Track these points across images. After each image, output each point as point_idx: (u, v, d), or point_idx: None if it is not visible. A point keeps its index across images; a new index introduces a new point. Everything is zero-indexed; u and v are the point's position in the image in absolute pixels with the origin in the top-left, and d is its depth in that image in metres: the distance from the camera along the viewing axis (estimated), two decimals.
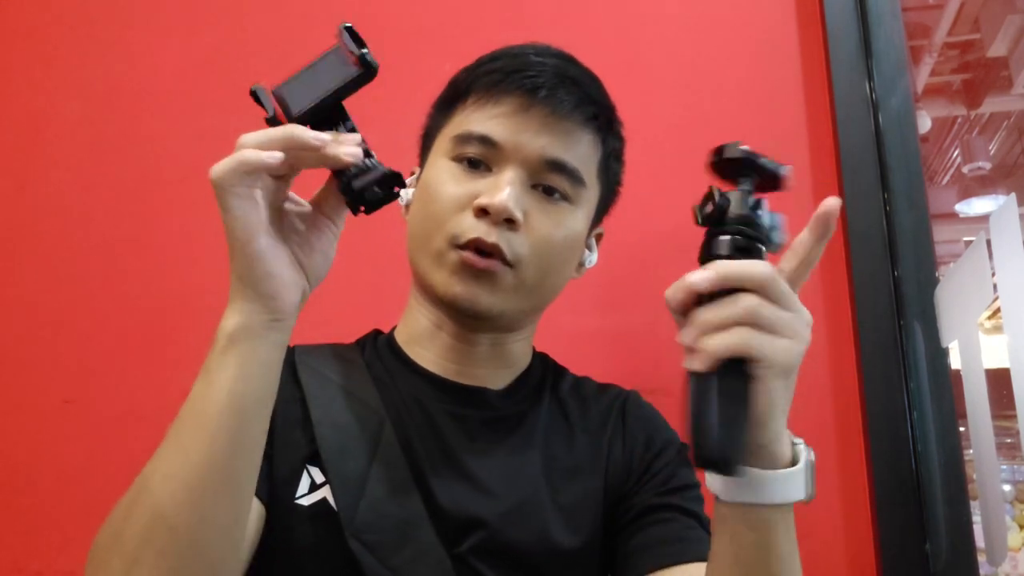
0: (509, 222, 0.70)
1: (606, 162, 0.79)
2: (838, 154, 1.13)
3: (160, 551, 0.52)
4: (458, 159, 0.74)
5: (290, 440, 0.70)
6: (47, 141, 1.28)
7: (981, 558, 0.99)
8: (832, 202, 0.59)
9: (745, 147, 0.58)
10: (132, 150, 1.26)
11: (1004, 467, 1.00)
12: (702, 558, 0.65)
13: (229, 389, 0.54)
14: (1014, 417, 0.87)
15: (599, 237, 0.86)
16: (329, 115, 0.58)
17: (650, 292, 1.15)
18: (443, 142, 0.76)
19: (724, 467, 0.52)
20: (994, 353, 0.96)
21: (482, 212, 0.70)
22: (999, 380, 0.94)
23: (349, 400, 0.73)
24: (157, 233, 1.23)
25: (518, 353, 0.81)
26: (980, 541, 0.99)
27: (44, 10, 1.33)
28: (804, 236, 0.59)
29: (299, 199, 0.60)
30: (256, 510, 0.65)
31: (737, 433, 0.52)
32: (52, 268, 1.23)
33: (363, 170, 0.56)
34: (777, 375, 0.53)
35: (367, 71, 0.57)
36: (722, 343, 0.51)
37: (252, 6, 1.30)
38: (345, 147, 0.55)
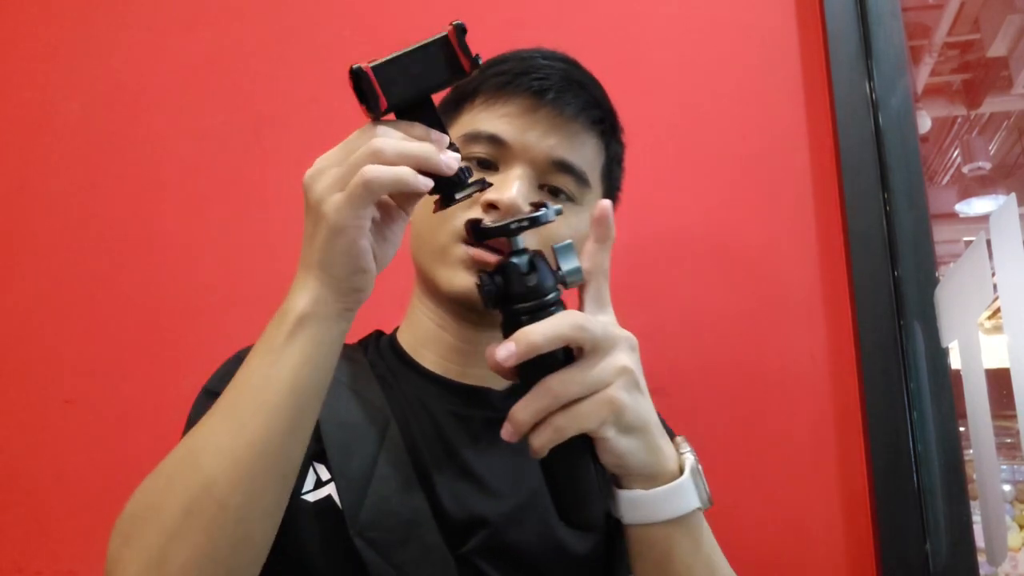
0: None
1: (608, 166, 0.80)
2: (838, 154, 1.13)
3: (205, 527, 0.51)
4: (466, 158, 0.74)
5: None
6: (47, 141, 1.28)
7: (981, 558, 0.99)
8: (603, 204, 0.59)
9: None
10: (132, 150, 1.26)
11: (1004, 467, 1.00)
12: None
13: (294, 372, 0.54)
14: (1014, 417, 0.87)
15: None
16: (420, 107, 0.57)
17: (649, 293, 1.15)
18: None
19: (586, 528, 0.55)
20: (994, 353, 0.96)
21: (491, 207, 0.70)
22: (999, 380, 0.94)
23: (354, 399, 0.73)
24: (157, 233, 1.23)
25: None
26: (980, 541, 0.99)
27: (44, 10, 1.33)
28: (589, 245, 0.60)
29: None
30: None
31: (585, 493, 0.55)
32: (52, 268, 1.23)
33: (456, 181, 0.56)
34: (609, 429, 0.54)
35: (471, 74, 0.56)
36: (543, 442, 0.53)
37: (252, 6, 1.30)
38: (448, 157, 0.55)
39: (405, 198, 0.57)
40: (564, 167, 0.74)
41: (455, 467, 0.71)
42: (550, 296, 0.55)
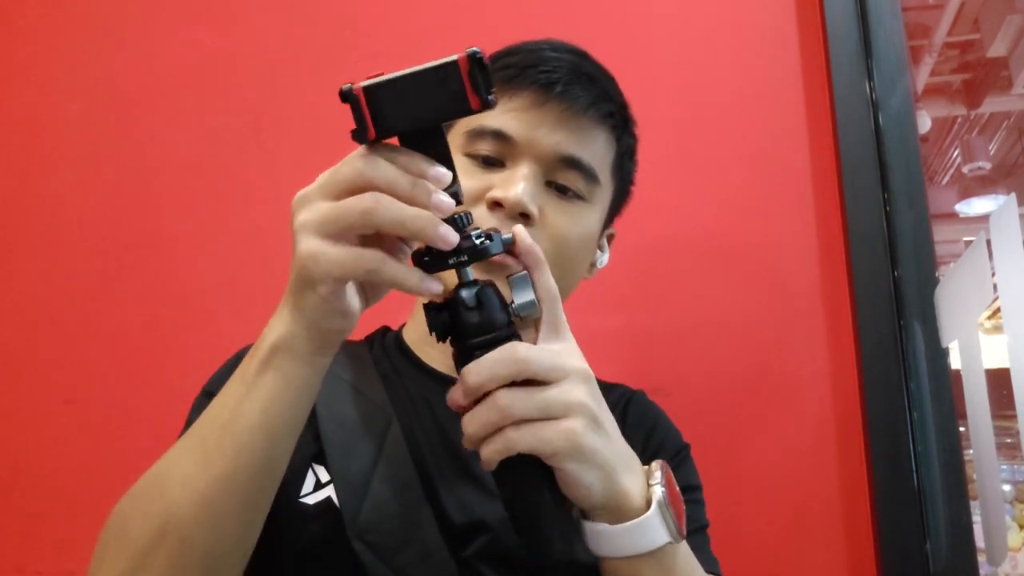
0: (524, 217, 0.69)
1: (620, 160, 0.78)
2: (838, 154, 1.13)
3: (169, 559, 0.51)
4: (472, 154, 0.72)
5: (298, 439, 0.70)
6: (47, 141, 1.28)
7: (981, 558, 0.99)
8: (517, 231, 0.55)
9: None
10: (132, 150, 1.26)
11: (1004, 467, 1.00)
12: None
13: (263, 408, 0.51)
14: (1014, 417, 0.87)
15: (611, 238, 0.86)
16: (426, 139, 0.50)
17: (650, 293, 1.15)
18: (455, 137, 0.75)
19: (542, 558, 0.52)
20: (994, 353, 0.96)
21: (496, 205, 0.69)
22: (999, 380, 0.94)
23: (356, 397, 0.72)
24: (157, 233, 1.23)
25: None
26: (980, 541, 0.99)
27: (44, 10, 1.33)
28: (530, 275, 0.56)
29: None
30: None
31: (540, 523, 0.52)
32: (52, 268, 1.23)
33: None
34: (564, 460, 0.50)
35: (480, 110, 0.49)
36: (492, 452, 0.50)
37: (251, 6, 1.30)
38: (443, 231, 0.49)
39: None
40: (572, 163, 0.71)
41: (457, 469, 0.70)
42: (501, 332, 0.51)
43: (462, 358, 0.51)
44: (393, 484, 0.67)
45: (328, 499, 0.66)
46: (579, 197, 0.73)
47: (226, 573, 0.54)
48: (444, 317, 0.52)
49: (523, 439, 0.49)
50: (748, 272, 1.14)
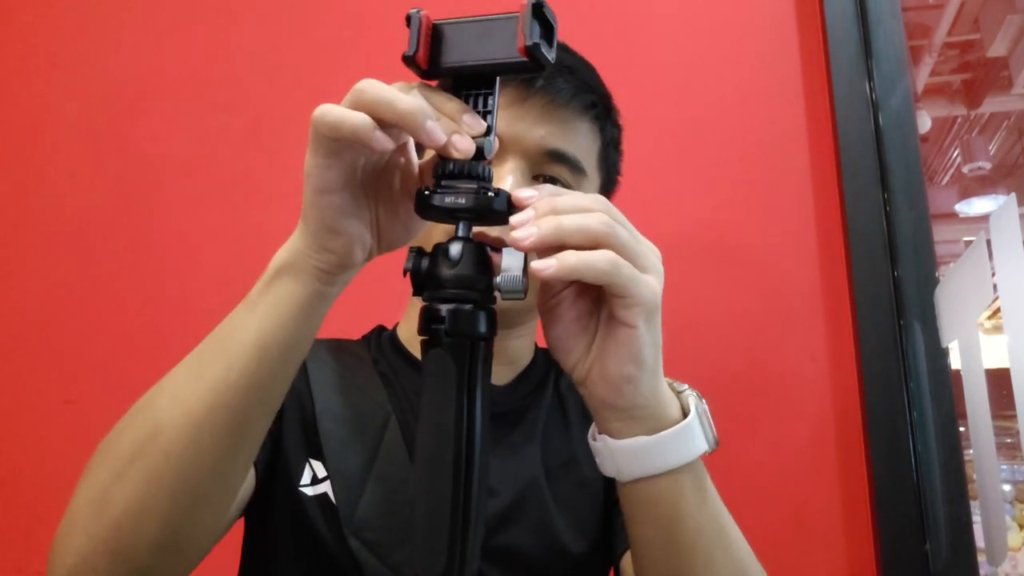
0: None
1: (605, 151, 0.79)
2: (838, 154, 1.13)
3: (147, 472, 0.50)
4: None
5: (296, 431, 0.70)
6: (47, 141, 1.28)
7: (981, 558, 0.99)
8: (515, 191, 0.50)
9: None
10: (131, 150, 1.26)
11: (1004, 467, 1.00)
12: None
13: (259, 326, 0.50)
14: (1014, 417, 0.87)
15: None
16: (476, 82, 0.49)
17: None
18: None
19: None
20: (994, 353, 0.96)
21: None
22: (999, 380, 0.94)
23: (355, 395, 0.73)
24: (157, 233, 1.23)
25: (520, 349, 0.81)
26: (980, 541, 0.99)
27: (43, 10, 1.33)
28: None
29: (413, 155, 0.53)
30: (247, 477, 0.64)
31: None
32: (52, 268, 1.23)
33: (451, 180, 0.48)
34: (640, 315, 0.47)
35: (532, 64, 0.47)
36: (579, 261, 0.45)
37: (251, 6, 1.30)
38: (463, 141, 0.47)
39: (421, 171, 0.51)
40: (557, 156, 0.71)
41: None
42: (473, 295, 0.47)
43: (425, 313, 0.47)
44: (390, 482, 0.67)
45: (325, 494, 0.67)
46: (567, 188, 0.73)
47: (202, 504, 0.52)
48: (422, 264, 0.48)
49: (625, 269, 0.46)
50: (748, 272, 1.14)
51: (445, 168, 0.47)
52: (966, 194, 1.28)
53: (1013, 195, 0.97)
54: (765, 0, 1.22)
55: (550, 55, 0.47)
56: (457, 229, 0.49)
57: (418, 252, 0.49)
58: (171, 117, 1.27)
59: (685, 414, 0.51)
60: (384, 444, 0.69)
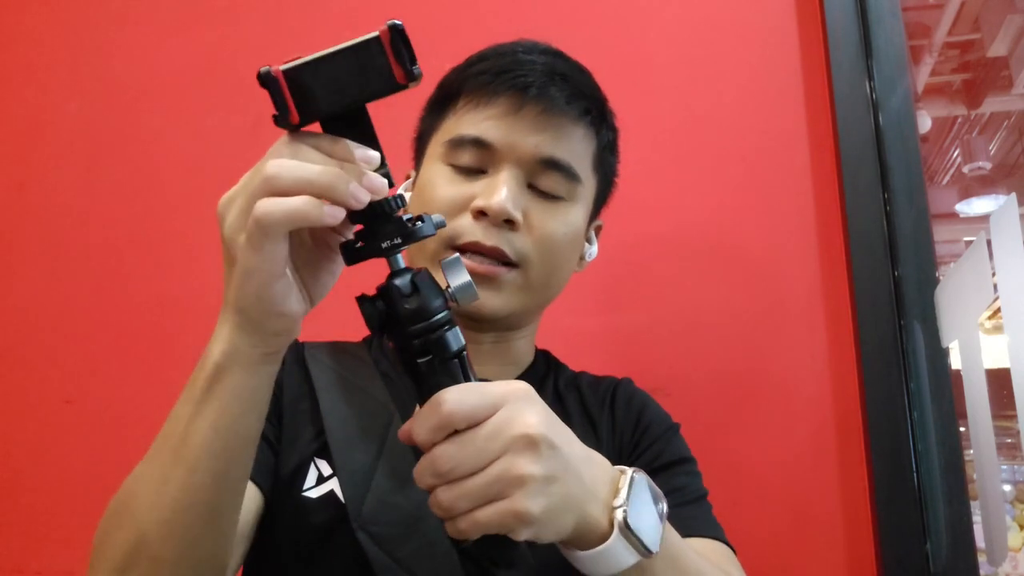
0: (508, 223, 0.70)
1: (601, 155, 0.79)
2: (838, 154, 1.13)
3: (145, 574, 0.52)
4: (453, 164, 0.73)
5: (299, 434, 0.70)
6: (47, 141, 1.28)
7: (981, 558, 0.99)
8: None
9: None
10: (131, 150, 1.26)
11: (1004, 467, 1.00)
12: (686, 534, 0.63)
13: (213, 424, 0.50)
14: (1014, 417, 0.87)
15: (598, 229, 0.86)
16: (350, 121, 0.48)
17: (650, 292, 1.15)
18: (436, 146, 0.76)
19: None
20: (994, 353, 0.96)
21: (480, 214, 0.70)
22: (999, 380, 0.94)
23: (358, 394, 0.73)
24: (157, 233, 1.23)
25: (521, 350, 0.81)
26: (980, 541, 0.99)
27: (43, 10, 1.33)
28: None
29: None
30: (254, 499, 0.66)
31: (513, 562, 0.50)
32: (52, 268, 1.23)
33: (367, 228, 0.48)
34: (520, 533, 0.48)
35: (408, 85, 0.47)
36: (455, 535, 0.49)
37: (252, 6, 1.30)
38: (366, 185, 0.47)
39: (328, 227, 0.50)
40: (552, 164, 0.72)
41: None
42: (438, 317, 0.49)
43: (402, 350, 0.49)
44: (396, 478, 0.68)
45: (331, 492, 0.67)
46: (562, 197, 0.74)
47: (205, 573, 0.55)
48: (380, 306, 0.49)
49: (474, 528, 0.48)
50: (748, 272, 1.14)
51: (366, 212, 0.48)
52: (966, 194, 1.28)
53: (1013, 195, 0.97)
54: (765, 0, 1.22)
55: (420, 75, 0.47)
56: (392, 263, 0.50)
57: (368, 300, 0.49)
58: (171, 117, 1.27)
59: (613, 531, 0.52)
60: (388, 441, 0.70)
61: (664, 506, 0.55)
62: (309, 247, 0.51)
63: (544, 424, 0.49)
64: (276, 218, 0.45)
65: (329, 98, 0.46)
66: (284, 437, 0.70)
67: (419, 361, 0.49)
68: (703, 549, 0.67)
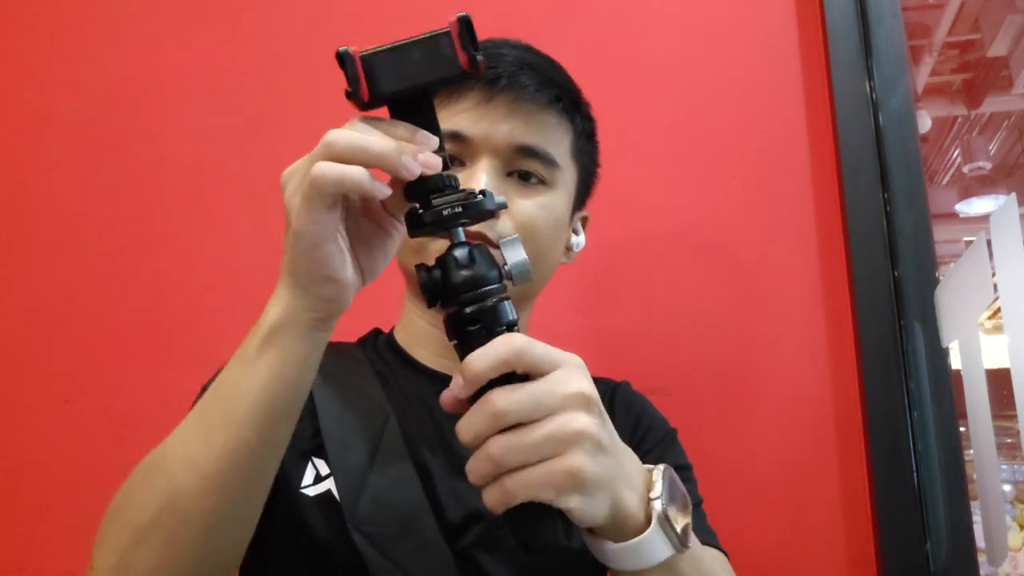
0: None
1: (578, 142, 0.79)
2: (838, 154, 1.13)
3: (169, 538, 0.51)
4: None
5: (297, 431, 0.70)
6: (47, 141, 1.28)
7: (981, 558, 0.99)
8: None
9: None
10: (132, 150, 1.26)
11: (1004, 467, 1.00)
12: None
13: (263, 385, 0.51)
14: (1014, 417, 0.87)
15: (585, 220, 0.87)
16: (417, 107, 0.52)
17: (649, 292, 1.15)
18: None
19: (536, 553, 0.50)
20: (994, 353, 0.96)
21: None
22: (999, 380, 0.94)
23: (353, 394, 0.74)
24: (157, 233, 1.23)
25: None
26: (980, 541, 0.99)
27: (44, 10, 1.33)
28: None
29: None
30: None
31: (547, 544, 0.49)
32: (52, 268, 1.23)
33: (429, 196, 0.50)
34: (568, 499, 0.47)
35: (472, 73, 0.51)
36: (494, 502, 0.48)
37: (251, 6, 1.30)
38: (420, 161, 0.50)
39: (383, 201, 0.53)
40: (528, 151, 0.73)
41: (452, 462, 0.71)
42: (492, 286, 0.50)
43: (452, 320, 0.50)
44: (391, 477, 0.68)
45: (328, 492, 0.67)
46: (541, 182, 0.75)
47: (224, 555, 0.54)
48: (436, 275, 0.50)
49: (522, 489, 0.47)
50: (748, 272, 1.14)
51: (420, 187, 0.51)
52: (966, 194, 1.28)
53: (1013, 195, 0.97)
54: (765, 0, 1.22)
55: (481, 57, 0.50)
56: (454, 236, 0.51)
57: (426, 268, 0.51)
58: (171, 116, 1.27)
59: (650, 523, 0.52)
60: (384, 441, 0.70)
61: (690, 503, 0.55)
62: (363, 224, 0.53)
63: (594, 391, 0.50)
64: (329, 180, 0.47)
65: (397, 81, 0.50)
66: None
67: (469, 329, 0.49)
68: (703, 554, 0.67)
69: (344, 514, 0.65)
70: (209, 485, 0.51)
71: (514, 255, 0.53)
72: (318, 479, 0.68)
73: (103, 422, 1.17)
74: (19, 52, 1.32)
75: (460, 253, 0.50)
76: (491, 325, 0.49)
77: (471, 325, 0.49)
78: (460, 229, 0.52)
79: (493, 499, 0.48)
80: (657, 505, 0.52)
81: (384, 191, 0.49)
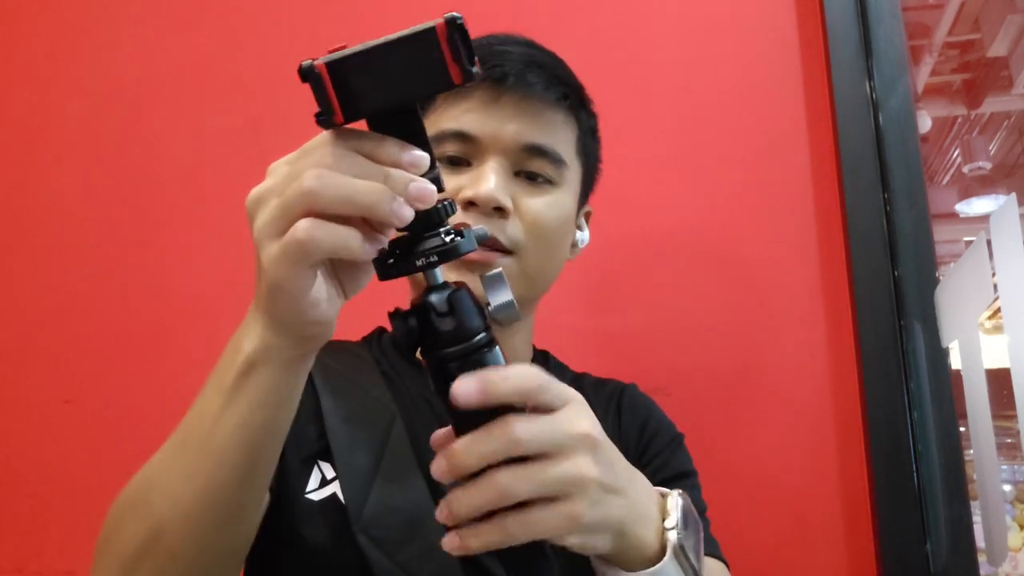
0: (498, 211, 0.70)
1: (583, 140, 0.79)
2: (838, 154, 1.13)
3: (158, 570, 0.51)
4: (438, 158, 0.74)
5: (302, 435, 0.70)
6: (47, 140, 1.28)
7: (981, 558, 0.99)
8: None
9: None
10: (132, 149, 1.26)
11: (1004, 467, 1.00)
12: None
13: (243, 421, 0.48)
14: (1014, 417, 0.87)
15: (588, 215, 0.86)
16: (399, 117, 0.44)
17: (649, 292, 1.15)
18: None
19: None
20: (994, 353, 0.96)
21: (469, 204, 0.70)
22: (999, 380, 0.94)
23: (360, 395, 0.73)
24: (157, 233, 1.23)
25: (517, 347, 0.81)
26: (980, 541, 0.99)
27: (44, 10, 1.33)
28: None
29: None
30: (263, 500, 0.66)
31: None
32: (52, 268, 1.23)
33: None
34: (567, 539, 0.46)
35: (464, 85, 0.43)
36: (486, 542, 0.45)
37: (251, 6, 1.30)
38: (422, 191, 0.44)
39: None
40: (536, 150, 0.72)
41: None
42: (477, 338, 0.45)
43: (436, 372, 0.46)
44: (397, 480, 0.68)
45: (333, 495, 0.67)
46: (549, 182, 0.74)
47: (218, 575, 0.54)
48: (412, 324, 0.45)
49: (521, 529, 0.45)
50: (748, 272, 1.14)
51: (411, 223, 0.44)
52: (966, 194, 1.28)
53: (1013, 195, 0.97)
54: (765, 0, 1.22)
55: (475, 69, 0.42)
56: (429, 278, 0.46)
57: (402, 316, 0.46)
58: (171, 117, 1.27)
59: (664, 551, 0.51)
60: (390, 443, 0.70)
61: (701, 528, 0.55)
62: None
63: (601, 432, 0.48)
64: (320, 247, 0.42)
65: (376, 95, 0.42)
66: (288, 438, 0.70)
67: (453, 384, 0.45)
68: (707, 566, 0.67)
69: (350, 517, 0.65)
70: (192, 524, 0.50)
71: (498, 296, 0.48)
72: (323, 483, 0.68)
73: (103, 422, 1.17)
74: (19, 52, 1.32)
75: (438, 299, 0.45)
76: None
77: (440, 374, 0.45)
78: (438, 272, 0.46)
79: (486, 537, 0.45)
80: (672, 536, 0.51)
81: (373, 253, 0.44)
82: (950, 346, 1.04)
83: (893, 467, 1.04)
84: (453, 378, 0.44)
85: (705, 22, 1.22)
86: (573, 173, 0.77)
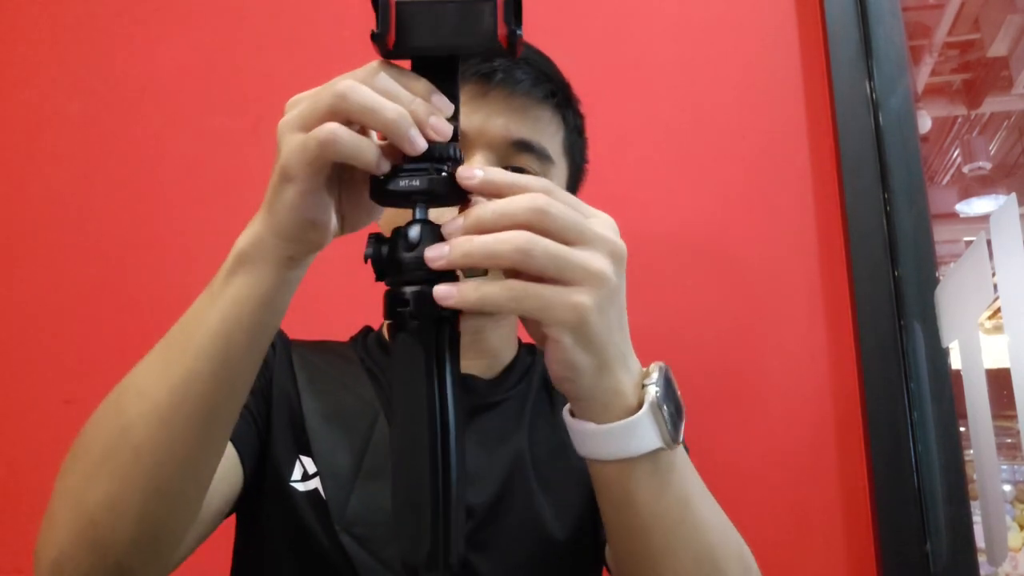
0: None
1: (570, 138, 0.79)
2: (838, 154, 1.13)
3: (118, 472, 0.49)
4: None
5: (285, 430, 0.70)
6: (47, 141, 1.28)
7: (981, 558, 0.99)
8: (460, 170, 0.49)
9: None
10: (132, 149, 1.26)
11: (1004, 467, 1.00)
12: None
13: (224, 315, 0.50)
14: (1014, 417, 0.87)
15: None
16: (444, 69, 0.48)
17: (649, 292, 1.15)
18: None
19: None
20: (994, 353, 0.96)
21: None
22: (999, 380, 0.94)
23: (344, 394, 0.73)
24: (157, 232, 1.23)
25: (500, 341, 0.81)
26: (980, 541, 0.99)
27: (44, 10, 1.33)
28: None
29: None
30: (232, 470, 0.65)
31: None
32: (52, 268, 1.23)
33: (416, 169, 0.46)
34: (562, 332, 0.45)
35: (509, 51, 0.46)
36: (487, 293, 0.43)
37: (251, 6, 1.30)
38: (440, 124, 0.46)
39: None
40: (523, 146, 0.72)
41: None
42: (432, 274, 0.45)
43: (389, 298, 0.46)
44: (380, 478, 0.68)
45: (315, 491, 0.67)
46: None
47: (177, 495, 0.52)
48: (382, 250, 0.47)
49: (527, 295, 0.43)
50: (748, 272, 1.14)
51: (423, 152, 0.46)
52: (966, 194, 1.28)
53: (1013, 195, 0.97)
54: (765, 0, 1.22)
55: (520, 41, 0.46)
56: (414, 212, 0.47)
57: (377, 238, 0.47)
58: (171, 117, 1.27)
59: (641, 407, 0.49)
60: (372, 441, 0.70)
61: (683, 411, 0.53)
62: (355, 173, 0.50)
63: (620, 292, 0.48)
64: (338, 147, 0.44)
65: (427, 38, 0.47)
66: (273, 429, 0.70)
67: (400, 311, 0.46)
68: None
69: (332, 515, 0.65)
70: (160, 416, 0.49)
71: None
72: (306, 476, 0.68)
73: None
74: (19, 52, 1.32)
75: (412, 231, 0.46)
76: (424, 310, 0.45)
77: (403, 307, 0.46)
78: (422, 207, 0.47)
79: (487, 290, 0.44)
80: (651, 390, 0.49)
81: (385, 168, 0.46)
82: (950, 346, 1.04)
83: (893, 467, 1.04)
84: (403, 306, 0.45)
85: (705, 22, 1.22)
86: (559, 171, 0.77)
